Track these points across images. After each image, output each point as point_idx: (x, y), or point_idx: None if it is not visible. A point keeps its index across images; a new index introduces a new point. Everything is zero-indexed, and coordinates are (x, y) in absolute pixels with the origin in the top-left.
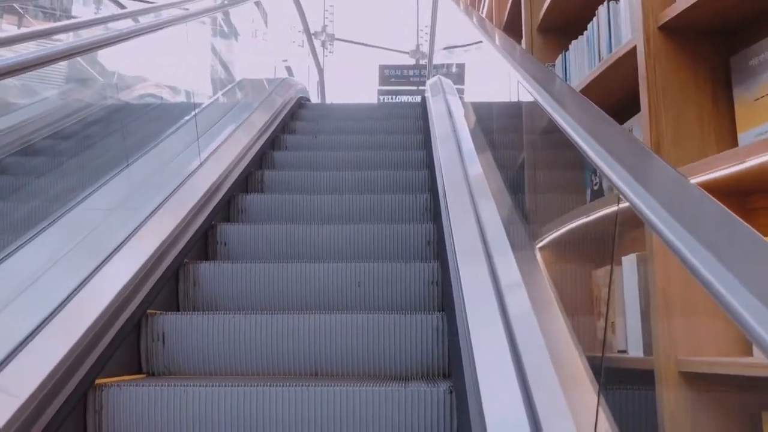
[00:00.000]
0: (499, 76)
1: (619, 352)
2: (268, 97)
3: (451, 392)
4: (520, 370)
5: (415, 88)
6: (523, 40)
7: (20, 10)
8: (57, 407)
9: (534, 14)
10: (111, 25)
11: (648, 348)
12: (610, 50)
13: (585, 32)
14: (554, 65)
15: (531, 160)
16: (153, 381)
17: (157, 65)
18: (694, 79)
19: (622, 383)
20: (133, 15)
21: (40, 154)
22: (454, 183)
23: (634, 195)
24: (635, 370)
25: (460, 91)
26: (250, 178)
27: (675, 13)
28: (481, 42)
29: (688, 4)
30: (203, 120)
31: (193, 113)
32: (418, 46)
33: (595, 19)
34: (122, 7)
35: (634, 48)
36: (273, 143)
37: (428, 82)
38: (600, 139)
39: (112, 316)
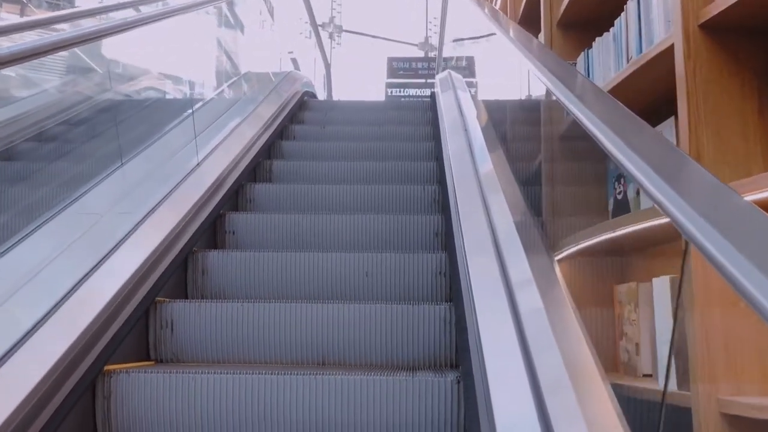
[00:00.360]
0: (512, 71)
1: (645, 375)
2: (270, 93)
3: (458, 382)
4: (528, 360)
5: (423, 81)
6: (542, 36)
7: None
8: (66, 393)
9: (554, 8)
10: (111, 14)
11: (683, 382)
12: (640, 49)
13: (611, 29)
14: (575, 63)
15: (548, 161)
16: (161, 368)
17: (162, 62)
18: (739, 85)
19: (653, 419)
20: (134, 5)
21: (51, 141)
22: (466, 188)
23: (673, 206)
24: (669, 405)
25: (470, 84)
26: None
27: (719, 10)
28: (492, 35)
29: (735, 0)
30: (209, 112)
31: (190, 110)
32: (427, 38)
33: (623, 14)
34: None
35: (670, 48)
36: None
37: (438, 77)
38: (633, 144)
39: (120, 303)
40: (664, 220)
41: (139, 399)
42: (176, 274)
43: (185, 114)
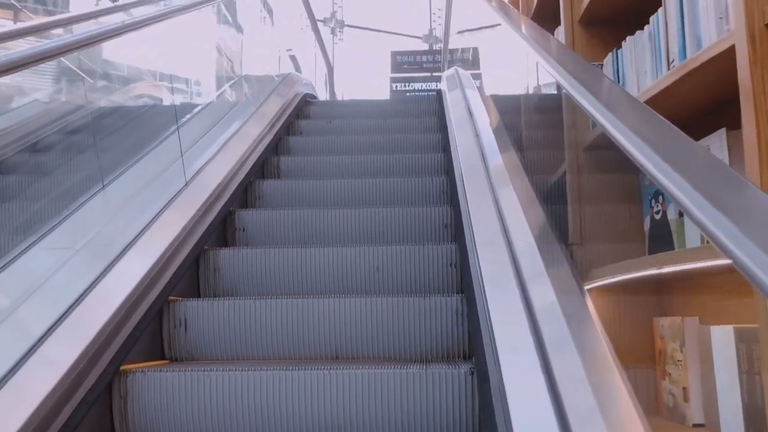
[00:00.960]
0: (519, 62)
1: (695, 425)
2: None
3: (472, 374)
4: (541, 351)
5: (428, 74)
6: (561, 33)
7: (17, 4)
8: (84, 392)
9: (575, 1)
10: (102, 19)
11: None
12: (684, 51)
13: (645, 27)
14: (602, 65)
15: (561, 156)
16: (176, 366)
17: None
18: None
19: None
20: (125, 8)
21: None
22: (475, 181)
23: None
24: None
25: (475, 76)
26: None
27: None
28: (497, 25)
29: None
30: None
31: (175, 122)
32: (431, 30)
33: (660, 9)
34: None
35: (728, 51)
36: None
37: (444, 74)
38: (684, 170)
39: (134, 303)
40: (723, 262)
41: (155, 398)
42: (189, 272)
43: (187, 117)
